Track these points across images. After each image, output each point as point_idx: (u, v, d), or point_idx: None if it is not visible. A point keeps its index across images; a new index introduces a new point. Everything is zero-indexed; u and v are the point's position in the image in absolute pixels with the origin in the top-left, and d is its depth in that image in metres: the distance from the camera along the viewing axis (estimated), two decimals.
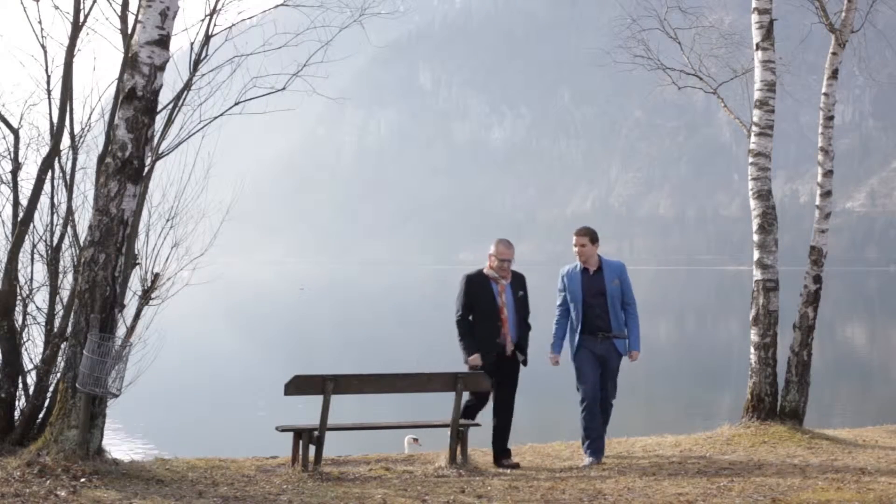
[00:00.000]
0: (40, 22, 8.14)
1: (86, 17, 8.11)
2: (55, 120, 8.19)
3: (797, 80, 12.07)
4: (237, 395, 24.87)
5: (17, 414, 7.95)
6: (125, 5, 8.17)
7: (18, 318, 8.07)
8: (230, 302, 69.68)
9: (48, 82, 8.26)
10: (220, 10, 8.83)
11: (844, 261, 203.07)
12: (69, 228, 8.26)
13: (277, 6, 10.05)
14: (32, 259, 8.23)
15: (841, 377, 29.69)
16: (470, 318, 8.54)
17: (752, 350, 10.35)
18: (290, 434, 8.09)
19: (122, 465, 7.00)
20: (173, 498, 6.39)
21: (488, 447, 8.74)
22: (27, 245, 8.14)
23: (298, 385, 7.82)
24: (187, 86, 8.62)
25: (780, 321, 10.40)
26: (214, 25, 8.82)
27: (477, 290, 8.53)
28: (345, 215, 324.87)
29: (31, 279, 8.25)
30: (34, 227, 8.15)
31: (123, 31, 8.14)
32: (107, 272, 6.85)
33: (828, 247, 10.80)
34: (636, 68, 12.66)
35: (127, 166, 6.87)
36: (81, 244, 7.86)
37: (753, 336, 10.35)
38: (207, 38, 8.81)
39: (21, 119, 8.29)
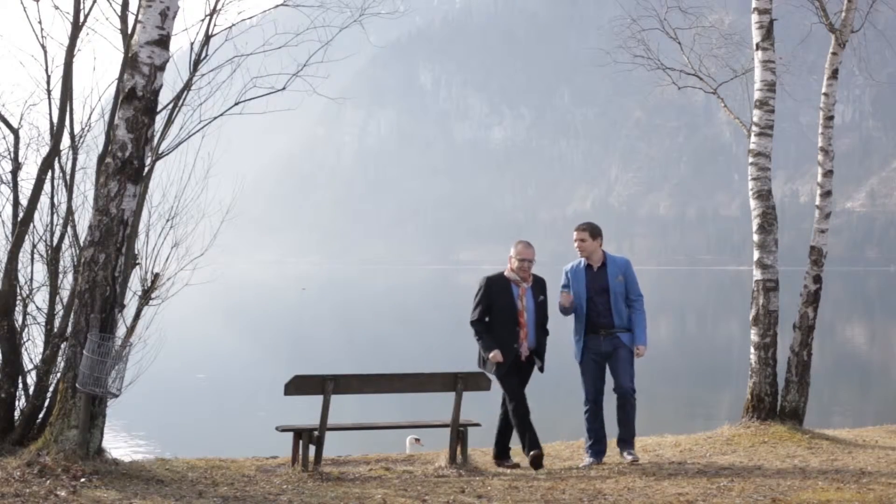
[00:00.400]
0: (40, 22, 8.17)
1: (86, 17, 8.13)
2: (55, 120, 8.20)
3: (797, 80, 12.05)
4: (237, 395, 24.89)
5: (17, 414, 7.96)
6: (125, 5, 8.18)
7: (18, 318, 8.09)
8: (230, 302, 69.71)
9: (48, 82, 8.27)
10: (220, 10, 8.86)
11: (844, 261, 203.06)
12: (69, 228, 8.26)
13: (277, 6, 10.06)
14: (32, 259, 8.24)
15: (841, 377, 29.71)
16: (486, 319, 8.37)
17: (752, 350, 10.34)
18: (290, 434, 8.10)
19: (122, 465, 6.99)
20: (173, 498, 6.39)
21: (488, 447, 8.73)
22: (27, 245, 8.15)
23: (298, 385, 7.83)
24: (187, 86, 8.62)
25: (780, 321, 10.39)
26: (214, 25, 8.84)
27: (497, 292, 8.35)
28: (345, 215, 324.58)
29: (31, 279, 8.26)
30: (34, 227, 8.16)
31: (123, 31, 8.14)
32: (107, 272, 6.85)
33: (828, 247, 10.78)
34: (636, 68, 12.65)
35: (127, 166, 6.87)
36: (81, 244, 7.86)
37: (753, 336, 10.34)
38: (207, 38, 8.82)
39: (21, 119, 8.32)
